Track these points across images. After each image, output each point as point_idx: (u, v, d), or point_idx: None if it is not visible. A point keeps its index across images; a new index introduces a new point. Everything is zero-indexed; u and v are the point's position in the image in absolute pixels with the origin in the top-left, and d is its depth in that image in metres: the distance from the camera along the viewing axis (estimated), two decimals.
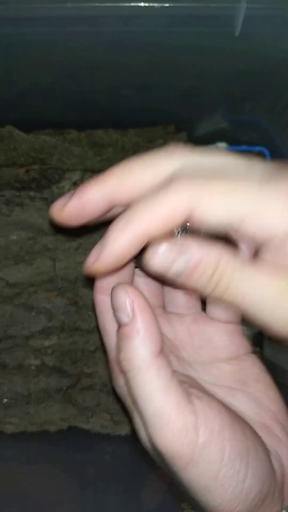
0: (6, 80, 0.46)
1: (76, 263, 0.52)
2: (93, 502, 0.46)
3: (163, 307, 0.33)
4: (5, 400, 0.52)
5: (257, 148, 0.56)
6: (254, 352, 0.64)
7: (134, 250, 0.21)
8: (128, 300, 0.23)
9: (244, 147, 0.57)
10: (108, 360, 0.51)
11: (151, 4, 0.37)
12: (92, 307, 0.52)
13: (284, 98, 0.46)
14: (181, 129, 0.54)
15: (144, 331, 0.23)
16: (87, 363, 0.52)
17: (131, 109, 0.51)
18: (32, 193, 0.54)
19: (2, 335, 0.52)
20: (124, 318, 0.23)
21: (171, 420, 0.24)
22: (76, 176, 0.53)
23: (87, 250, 0.52)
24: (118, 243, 0.20)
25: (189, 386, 0.26)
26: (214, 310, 0.31)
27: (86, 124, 0.53)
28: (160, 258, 0.20)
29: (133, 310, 0.23)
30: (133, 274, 0.29)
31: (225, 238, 0.22)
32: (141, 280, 0.30)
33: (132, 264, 0.27)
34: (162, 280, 0.23)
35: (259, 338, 0.64)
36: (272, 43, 0.40)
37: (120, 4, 0.37)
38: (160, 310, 0.32)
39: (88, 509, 0.45)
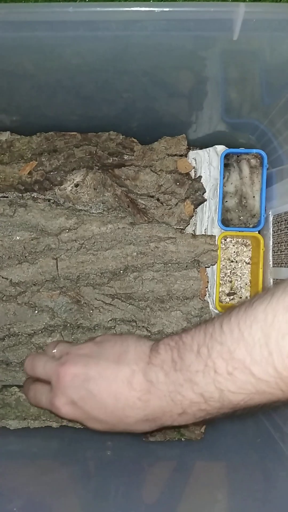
0: (9, 83, 0.46)
1: (78, 262, 0.53)
2: (94, 497, 0.46)
3: None
4: (9, 396, 0.52)
5: (255, 151, 0.57)
6: None
7: None
8: None
9: (242, 150, 0.58)
10: None
11: (151, 9, 0.37)
12: (94, 306, 0.53)
13: (281, 101, 0.46)
14: (180, 131, 0.55)
15: None
16: None
17: (131, 111, 0.52)
18: (35, 195, 0.55)
19: (5, 333, 0.53)
20: None
21: None
22: (78, 178, 0.53)
23: (88, 250, 0.53)
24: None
25: None
26: None
27: (87, 127, 0.54)
28: None
29: None
30: None
31: None
32: None
33: None
34: None
35: None
36: (270, 47, 0.40)
37: (121, 9, 0.37)
38: None
39: (89, 503, 0.46)
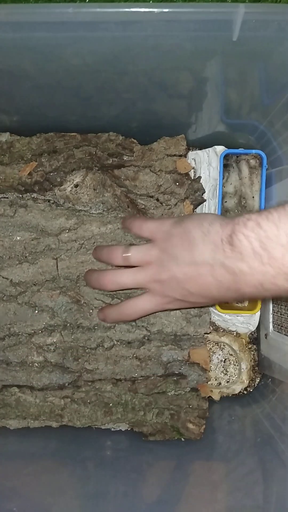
0: (9, 84, 0.46)
1: (78, 262, 0.53)
2: (94, 496, 0.46)
3: None
4: (9, 397, 0.53)
5: (254, 151, 0.57)
6: (250, 350, 0.65)
7: None
8: None
9: (241, 150, 0.58)
10: (108, 356, 0.51)
11: (150, 10, 0.37)
12: (94, 305, 0.53)
13: (281, 102, 0.46)
14: (180, 132, 0.55)
15: None
16: (89, 360, 0.52)
17: (131, 112, 0.52)
18: (34, 195, 0.55)
19: (6, 332, 0.53)
20: None
21: None
22: (77, 178, 0.53)
23: (88, 250, 0.53)
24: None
25: None
26: None
27: (87, 128, 0.54)
28: None
29: None
30: None
31: None
32: None
33: None
34: None
35: (255, 336, 0.64)
36: (269, 47, 0.40)
37: (121, 10, 0.37)
38: None
39: (89, 503, 0.46)
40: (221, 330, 0.64)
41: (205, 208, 0.60)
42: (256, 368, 0.64)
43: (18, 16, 0.38)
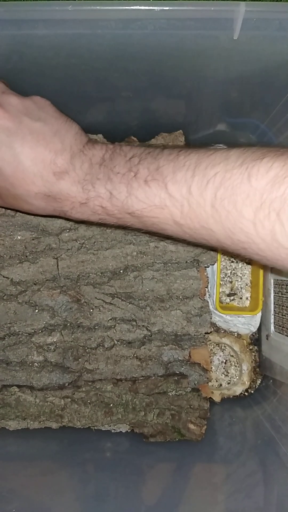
0: (7, 82, 0.46)
1: (78, 262, 0.53)
2: (94, 498, 0.46)
3: None
4: (8, 396, 0.52)
5: None
6: (251, 351, 0.64)
7: None
8: None
9: None
10: (109, 356, 0.51)
11: (151, 8, 0.37)
12: (94, 305, 0.53)
13: (281, 100, 0.46)
14: (180, 130, 0.55)
15: None
16: (89, 360, 0.52)
17: (130, 110, 0.52)
18: None
19: (6, 332, 0.53)
20: None
21: None
22: None
23: (89, 250, 0.53)
24: None
25: None
26: None
27: (86, 126, 0.54)
28: None
29: None
30: None
31: None
32: None
33: None
34: None
35: (256, 337, 0.64)
36: (270, 46, 0.40)
37: (121, 7, 0.37)
38: None
39: (88, 506, 0.46)
40: (222, 331, 0.63)
41: None
42: (257, 369, 0.64)
43: (17, 13, 0.38)
